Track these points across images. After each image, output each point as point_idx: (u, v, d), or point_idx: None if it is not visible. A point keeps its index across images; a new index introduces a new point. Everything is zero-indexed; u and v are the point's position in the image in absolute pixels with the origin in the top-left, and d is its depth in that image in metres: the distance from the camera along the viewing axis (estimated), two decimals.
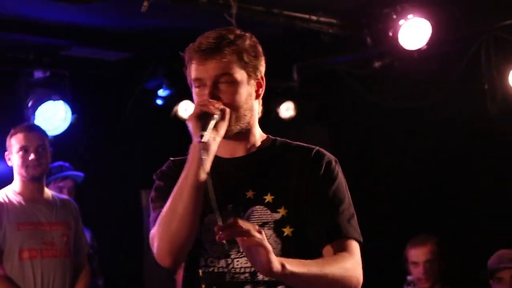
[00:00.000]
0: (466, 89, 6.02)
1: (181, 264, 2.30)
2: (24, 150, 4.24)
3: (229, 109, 2.18)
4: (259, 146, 2.31)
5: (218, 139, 2.17)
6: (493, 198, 5.95)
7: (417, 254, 4.75)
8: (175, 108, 6.70)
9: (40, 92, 5.82)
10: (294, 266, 2.02)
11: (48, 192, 4.44)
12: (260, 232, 1.96)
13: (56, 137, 5.61)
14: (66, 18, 5.41)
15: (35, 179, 4.29)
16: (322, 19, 5.44)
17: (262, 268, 1.96)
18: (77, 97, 6.03)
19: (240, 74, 2.21)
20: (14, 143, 4.27)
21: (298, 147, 2.32)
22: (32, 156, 4.23)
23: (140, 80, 6.56)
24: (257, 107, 2.30)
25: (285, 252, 2.15)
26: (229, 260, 2.21)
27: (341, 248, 2.18)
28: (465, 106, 6.07)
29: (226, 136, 2.22)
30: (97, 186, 6.30)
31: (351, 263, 2.16)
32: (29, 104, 5.79)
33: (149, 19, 5.32)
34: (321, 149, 2.30)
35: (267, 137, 2.36)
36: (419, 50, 5.52)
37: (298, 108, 6.70)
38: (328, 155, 2.29)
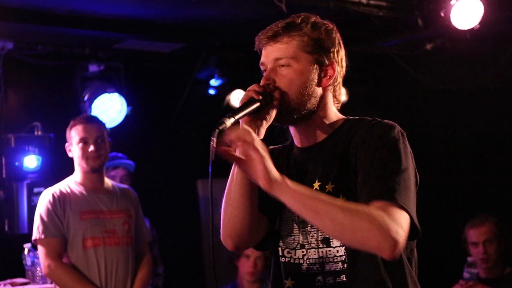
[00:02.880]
0: None
1: (243, 249, 2.36)
2: (84, 141, 4.30)
3: (279, 93, 2.16)
4: (329, 133, 2.26)
5: (265, 124, 2.15)
6: None
7: (476, 235, 4.73)
8: (227, 97, 6.74)
9: (95, 85, 5.94)
10: (298, 185, 1.97)
11: (108, 181, 4.50)
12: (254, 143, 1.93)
13: (112, 129, 5.71)
14: (119, 11, 5.48)
15: (95, 170, 4.35)
16: (372, 2, 5.39)
17: (257, 176, 1.94)
18: (132, 89, 6.13)
19: (301, 59, 2.18)
20: (74, 134, 4.32)
21: (361, 124, 2.21)
22: (91, 148, 4.28)
23: (193, 71, 6.62)
24: (323, 94, 2.24)
25: None
26: (305, 251, 2.23)
27: (380, 209, 2.00)
28: None
29: (285, 122, 2.22)
30: (153, 176, 6.40)
31: (379, 216, 1.96)
32: (85, 98, 5.91)
33: (200, 9, 5.36)
34: (382, 122, 2.20)
35: (342, 120, 2.28)
36: (471, 30, 5.44)
37: (350, 93, 6.68)
38: (387, 124, 2.18)
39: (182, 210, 6.84)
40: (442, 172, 6.55)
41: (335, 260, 2.18)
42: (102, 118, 4.84)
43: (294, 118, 2.21)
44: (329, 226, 2.00)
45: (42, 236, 4.20)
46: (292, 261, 2.25)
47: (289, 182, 1.96)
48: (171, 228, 6.43)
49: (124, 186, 4.68)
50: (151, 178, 6.27)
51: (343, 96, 7.37)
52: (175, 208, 6.74)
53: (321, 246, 2.20)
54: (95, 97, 5.86)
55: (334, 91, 2.28)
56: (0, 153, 5.42)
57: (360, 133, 2.18)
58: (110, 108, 5.91)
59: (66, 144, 4.40)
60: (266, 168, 1.94)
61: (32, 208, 5.07)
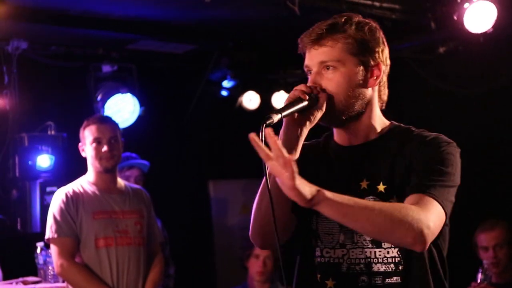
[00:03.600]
0: None
1: (271, 247, 2.31)
2: (97, 142, 4.31)
3: (326, 96, 2.15)
4: (378, 134, 2.26)
5: (309, 124, 2.15)
6: None
7: (486, 239, 4.72)
8: (239, 99, 6.76)
9: (108, 85, 5.96)
10: (335, 195, 1.95)
11: (121, 181, 4.51)
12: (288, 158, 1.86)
13: (125, 129, 5.73)
14: (132, 12, 5.50)
15: (108, 171, 4.37)
16: (385, 4, 5.39)
17: (287, 187, 1.87)
18: (145, 90, 6.15)
19: (345, 61, 2.17)
20: (88, 134, 4.34)
21: (417, 135, 2.23)
22: (105, 148, 4.29)
23: (205, 72, 6.64)
24: (371, 95, 2.23)
25: None
26: (345, 251, 2.21)
27: (415, 201, 2.05)
28: None
29: (333, 124, 2.23)
30: (165, 177, 6.41)
31: (411, 210, 1.99)
32: (98, 98, 5.93)
33: (212, 11, 5.37)
34: (440, 136, 2.23)
35: (389, 123, 2.30)
36: (484, 34, 5.42)
37: None
38: (446, 139, 2.23)
39: (193, 211, 6.85)
40: None
41: (385, 261, 2.17)
42: (115, 118, 4.85)
43: (342, 120, 2.21)
44: (369, 231, 2.04)
45: (55, 236, 4.23)
46: (331, 261, 2.23)
47: (326, 193, 1.93)
48: (182, 229, 6.44)
49: (137, 186, 4.70)
50: (163, 179, 6.29)
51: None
52: (186, 208, 6.76)
53: (370, 246, 2.19)
54: (108, 97, 5.88)
55: (379, 91, 2.28)
56: (13, 152, 5.45)
57: (416, 140, 2.20)
58: (123, 109, 5.93)
59: (80, 144, 4.42)
60: (299, 190, 1.87)
61: (44, 207, 5.10)
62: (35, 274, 4.59)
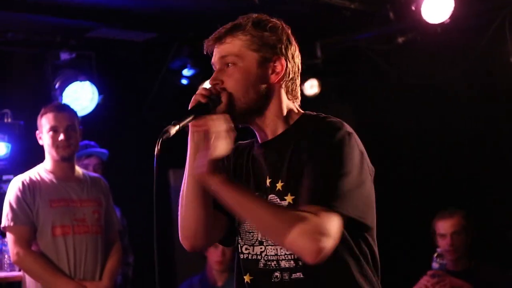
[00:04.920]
0: (490, 64, 6.00)
1: (201, 249, 2.39)
2: (54, 130, 4.28)
3: (227, 94, 2.17)
4: (285, 129, 2.26)
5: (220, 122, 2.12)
6: None
7: (445, 226, 4.80)
8: (200, 88, 6.74)
9: (67, 73, 5.90)
10: (234, 184, 2.08)
11: (79, 170, 4.49)
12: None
13: (84, 117, 5.68)
14: (91, 0, 5.46)
15: (65, 159, 4.33)
16: None
17: (197, 168, 2.07)
18: (103, 78, 6.10)
19: (246, 57, 2.19)
20: (45, 122, 4.30)
21: (312, 128, 2.21)
22: (61, 137, 4.26)
23: (165, 61, 6.61)
24: (274, 90, 2.23)
25: None
26: (263, 248, 2.25)
27: (314, 211, 2.04)
28: (489, 81, 6.06)
29: (237, 122, 2.20)
30: (124, 165, 6.38)
31: (306, 220, 2.01)
32: (56, 86, 5.87)
33: (173, 0, 5.36)
34: (328, 120, 2.21)
35: (297, 116, 2.28)
36: (442, 24, 5.50)
37: (322, 85, 6.71)
38: (333, 125, 2.18)
39: (153, 200, 6.83)
40: (412, 165, 6.62)
41: (287, 258, 2.20)
42: (73, 106, 4.81)
43: (244, 118, 2.23)
44: (258, 228, 2.17)
45: (11, 224, 4.19)
46: (250, 257, 2.28)
47: (226, 178, 2.06)
48: (141, 218, 6.41)
49: (95, 175, 4.67)
50: (122, 167, 6.25)
51: (314, 88, 7.38)
52: (146, 197, 6.72)
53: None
54: (67, 85, 5.82)
55: (287, 86, 2.27)
56: None
57: (310, 131, 2.19)
58: (81, 97, 5.87)
59: (37, 132, 4.38)
60: (208, 164, 2.04)
61: (1, 196, 5.04)
62: None
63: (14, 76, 5.93)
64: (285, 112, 2.26)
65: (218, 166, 2.05)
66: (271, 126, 2.26)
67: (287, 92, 2.27)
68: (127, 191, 6.03)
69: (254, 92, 2.20)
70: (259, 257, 2.26)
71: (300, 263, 2.18)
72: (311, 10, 5.60)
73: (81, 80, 5.85)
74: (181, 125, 2.10)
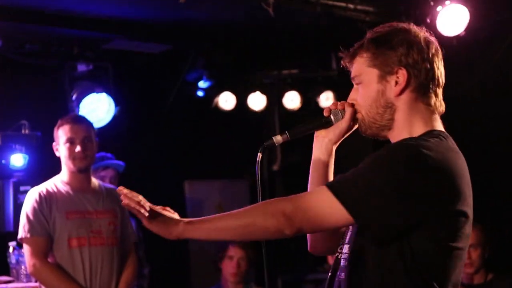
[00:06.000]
0: (506, 76, 5.97)
1: (330, 252, 2.43)
2: (71, 142, 4.30)
3: (351, 110, 2.29)
4: None
5: (334, 138, 2.35)
6: None
7: None
8: (215, 100, 6.76)
9: (83, 85, 5.95)
10: (195, 228, 2.19)
11: (95, 181, 4.51)
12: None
13: (100, 129, 5.71)
14: (108, 12, 5.50)
15: (82, 171, 4.36)
16: (359, 7, 5.43)
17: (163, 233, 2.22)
18: (120, 89, 6.14)
19: (367, 74, 2.23)
20: (61, 134, 4.33)
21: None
22: (78, 148, 4.28)
23: (181, 72, 6.64)
24: (400, 102, 2.20)
25: None
26: (342, 246, 2.29)
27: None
28: (505, 92, 6.03)
29: (369, 135, 2.28)
30: (140, 177, 6.39)
31: (266, 202, 2.14)
32: (73, 97, 5.91)
33: (188, 11, 5.39)
34: (403, 142, 2.15)
35: (423, 131, 2.22)
36: (457, 37, 5.48)
37: (338, 97, 6.69)
38: (400, 145, 2.13)
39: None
40: None
41: (344, 257, 2.24)
42: (90, 118, 4.84)
43: (374, 130, 2.27)
44: (235, 236, 2.20)
45: (28, 235, 4.21)
46: (338, 256, 2.30)
47: (187, 223, 2.20)
48: None
49: (111, 186, 4.69)
50: (138, 179, 6.26)
51: (329, 100, 7.29)
52: None
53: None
54: (83, 97, 5.86)
55: (417, 96, 2.21)
56: None
57: None
58: (98, 108, 5.91)
59: (54, 144, 4.40)
60: (162, 228, 2.23)
61: (18, 206, 5.07)
62: (8, 274, 4.58)
63: (31, 88, 5.97)
64: (411, 126, 2.22)
65: (170, 221, 2.22)
66: (397, 139, 2.22)
67: (421, 102, 2.22)
68: None
69: (377, 107, 2.23)
70: (340, 255, 2.28)
71: (345, 263, 2.21)
72: (326, 22, 5.61)
73: (97, 92, 5.89)
74: (290, 134, 2.30)
